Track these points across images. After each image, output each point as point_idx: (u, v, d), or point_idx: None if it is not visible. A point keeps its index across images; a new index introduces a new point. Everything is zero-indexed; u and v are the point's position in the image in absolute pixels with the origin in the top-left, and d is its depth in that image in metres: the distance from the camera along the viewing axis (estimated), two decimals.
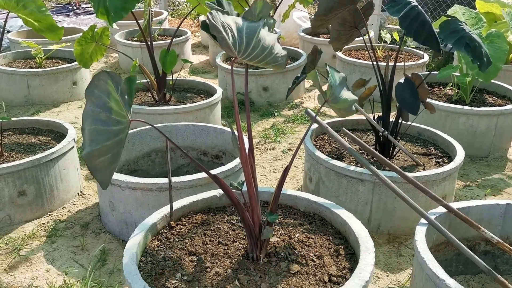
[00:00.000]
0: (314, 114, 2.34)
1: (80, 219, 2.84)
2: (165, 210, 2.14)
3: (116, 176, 2.53)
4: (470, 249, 2.29)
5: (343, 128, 2.28)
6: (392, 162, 2.89)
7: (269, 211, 1.88)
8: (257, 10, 1.80)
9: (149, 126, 3.24)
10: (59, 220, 2.83)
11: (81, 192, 3.15)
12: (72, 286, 2.22)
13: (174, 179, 2.47)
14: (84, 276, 2.30)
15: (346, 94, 1.92)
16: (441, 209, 2.19)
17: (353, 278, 1.67)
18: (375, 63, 2.92)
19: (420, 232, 1.99)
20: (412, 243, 2.60)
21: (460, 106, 3.60)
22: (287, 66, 4.82)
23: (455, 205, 2.21)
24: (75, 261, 2.45)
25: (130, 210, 2.56)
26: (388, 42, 5.26)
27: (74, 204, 3.01)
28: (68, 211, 2.93)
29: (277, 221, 2.15)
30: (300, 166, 3.51)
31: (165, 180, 2.47)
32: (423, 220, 2.08)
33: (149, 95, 4.18)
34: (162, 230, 2.09)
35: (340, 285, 1.75)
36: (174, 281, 1.77)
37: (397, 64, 2.86)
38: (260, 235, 1.85)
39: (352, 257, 1.91)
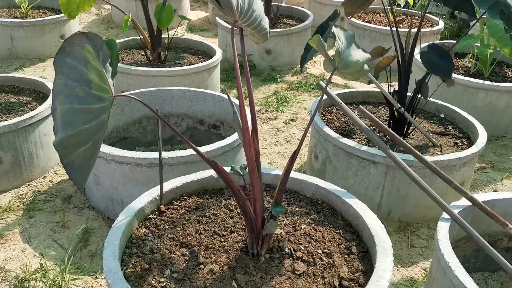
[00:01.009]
0: (326, 88, 2.06)
1: (62, 191, 2.59)
2: (155, 191, 1.88)
3: (102, 147, 2.25)
4: (491, 244, 2.07)
5: (360, 106, 2.00)
6: (407, 141, 2.63)
7: (274, 201, 1.63)
8: None
9: (141, 90, 2.95)
10: (39, 191, 2.58)
11: None
12: (48, 270, 1.99)
13: (165, 154, 2.21)
14: (63, 258, 2.07)
15: (357, 55, 1.66)
16: (463, 202, 1.95)
17: (369, 287, 1.44)
18: (394, 29, 2.61)
19: (443, 230, 1.76)
20: (424, 233, 2.38)
21: (480, 81, 3.32)
22: (291, 28, 4.48)
23: (479, 197, 1.98)
24: (54, 240, 2.22)
25: (116, 186, 2.31)
26: (402, 6, 4.90)
27: (56, 174, 2.75)
28: (49, 181, 2.68)
29: None
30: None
31: (156, 154, 2.21)
32: (445, 215, 1.85)
33: (142, 54, 3.84)
34: (151, 215, 1.84)
35: None
36: (162, 279, 1.54)
37: (412, 30, 2.57)
38: (263, 229, 1.61)
39: (366, 256, 1.68)
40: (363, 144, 2.46)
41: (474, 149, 2.42)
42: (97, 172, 2.34)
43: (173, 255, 1.64)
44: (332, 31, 1.63)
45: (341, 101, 2.01)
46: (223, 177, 1.56)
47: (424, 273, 2.11)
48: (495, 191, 2.80)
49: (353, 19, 4.72)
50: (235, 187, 1.56)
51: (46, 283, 1.92)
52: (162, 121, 1.47)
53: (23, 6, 4.45)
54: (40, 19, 4.42)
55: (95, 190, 2.41)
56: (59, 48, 1.23)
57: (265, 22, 1.58)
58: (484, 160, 3.13)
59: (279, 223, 1.82)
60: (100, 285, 1.96)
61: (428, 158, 2.30)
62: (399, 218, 2.44)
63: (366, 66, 1.70)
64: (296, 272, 1.59)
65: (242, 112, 1.54)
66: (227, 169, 2.03)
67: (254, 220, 1.60)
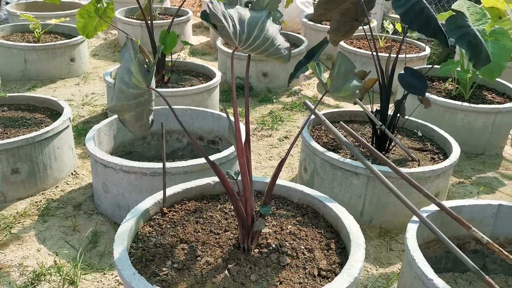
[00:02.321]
0: (312, 107, 2.33)
1: (73, 199, 2.84)
2: (158, 195, 2.13)
3: (110, 158, 2.51)
4: (460, 247, 2.31)
5: (341, 122, 2.26)
6: (388, 156, 2.89)
7: (263, 203, 1.88)
8: (265, 2, 1.78)
9: None
10: (52, 199, 2.83)
11: (75, 171, 3.14)
12: (62, 267, 2.22)
13: (168, 165, 2.46)
14: (75, 257, 2.31)
15: (350, 83, 1.83)
16: (433, 207, 2.19)
17: (342, 274, 1.68)
18: (375, 54, 2.89)
19: (412, 230, 2.00)
20: (403, 238, 2.61)
21: (459, 102, 3.59)
22: None
23: (447, 204, 2.22)
24: (66, 241, 2.45)
25: (123, 193, 2.55)
26: (390, 33, 5.22)
27: (67, 184, 3.00)
28: (61, 190, 2.93)
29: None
30: (296, 155, 3.50)
31: (159, 164, 2.47)
32: (415, 218, 2.09)
33: None
34: (155, 216, 2.09)
35: (329, 279, 1.76)
36: (164, 269, 1.77)
37: (399, 56, 2.84)
38: (253, 226, 1.85)
39: (343, 252, 1.92)
40: (347, 158, 2.71)
41: (447, 162, 2.67)
42: (106, 181, 2.59)
43: (174, 249, 1.88)
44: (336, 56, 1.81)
45: (325, 119, 2.28)
46: (220, 178, 1.81)
47: (399, 272, 2.34)
48: None
49: (344, 45, 5.03)
50: (229, 187, 1.81)
51: (61, 276, 2.15)
52: (191, 139, 1.78)
53: (36, 31, 4.77)
54: (52, 43, 4.73)
55: (104, 197, 2.66)
56: (124, 44, 1.71)
57: (278, 47, 1.66)
58: (462, 175, 3.37)
59: (267, 224, 2.06)
60: (108, 279, 2.19)
61: (405, 170, 2.55)
62: (380, 224, 2.68)
63: (357, 93, 1.87)
64: (281, 264, 1.82)
65: (237, 125, 1.81)
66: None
67: (245, 218, 1.85)
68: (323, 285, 1.72)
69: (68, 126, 3.07)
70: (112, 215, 2.67)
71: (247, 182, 1.83)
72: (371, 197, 2.62)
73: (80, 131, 3.69)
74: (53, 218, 2.65)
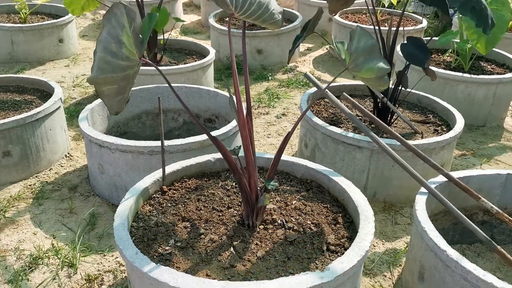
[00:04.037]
0: (314, 78, 2.24)
1: (68, 182, 2.75)
2: (157, 174, 2.05)
3: (106, 138, 2.42)
4: (467, 218, 2.26)
5: (344, 93, 2.19)
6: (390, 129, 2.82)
7: (267, 177, 1.81)
8: None
9: (140, 87, 3.12)
10: (46, 182, 2.74)
11: (68, 153, 3.04)
12: (60, 249, 2.15)
13: (166, 143, 2.38)
14: (73, 239, 2.23)
15: (375, 63, 1.69)
16: (440, 178, 2.14)
17: (352, 248, 1.62)
18: (376, 27, 2.80)
19: (420, 202, 1.95)
20: (408, 212, 2.56)
21: (460, 74, 3.52)
22: (282, 29, 4.67)
23: (455, 174, 2.17)
24: (63, 224, 2.38)
25: (120, 173, 2.47)
26: (386, 6, 5.12)
27: (61, 166, 2.91)
28: (55, 173, 2.84)
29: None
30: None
31: (157, 143, 2.38)
32: (423, 189, 2.04)
33: None
34: (154, 195, 2.01)
35: (339, 254, 1.70)
36: (167, 247, 1.71)
37: (394, 28, 2.77)
38: (257, 201, 1.78)
39: (351, 226, 1.86)
40: (349, 131, 2.64)
41: (451, 133, 2.61)
42: (101, 161, 2.51)
43: (176, 228, 1.81)
44: (355, 31, 1.66)
45: (327, 90, 2.19)
46: (222, 152, 1.73)
47: (407, 246, 2.30)
48: None
49: (340, 19, 4.92)
50: (232, 162, 1.73)
51: (59, 259, 2.08)
52: (190, 114, 1.67)
53: (23, 12, 4.61)
54: (39, 23, 4.58)
55: (100, 178, 2.58)
56: (108, 9, 1.51)
57: (272, 12, 1.65)
58: (464, 147, 3.32)
59: (271, 200, 2.00)
60: (109, 261, 2.12)
61: (409, 142, 2.49)
62: (384, 199, 2.63)
63: (385, 77, 1.73)
64: (288, 239, 1.76)
65: (237, 96, 1.72)
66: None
67: (249, 193, 1.78)
68: (332, 260, 1.66)
69: (60, 106, 2.97)
70: (109, 197, 2.59)
71: (250, 156, 1.75)
72: (375, 171, 2.56)
73: (72, 113, 3.59)
74: (49, 201, 2.57)
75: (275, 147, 3.22)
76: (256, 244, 1.74)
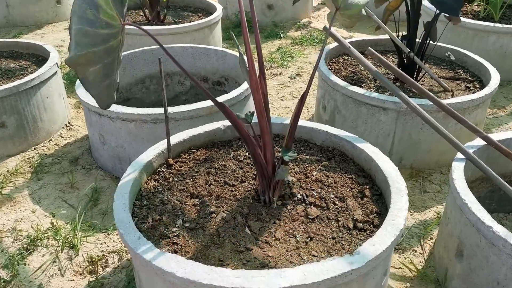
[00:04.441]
0: (334, 31, 1.98)
1: (69, 153, 2.56)
2: (162, 145, 1.85)
3: None
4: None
5: (369, 48, 1.93)
6: None
7: (284, 147, 1.59)
8: None
9: (141, 49, 2.88)
10: (45, 154, 2.56)
11: (69, 123, 2.85)
12: (60, 229, 1.98)
13: (171, 109, 2.16)
14: (74, 217, 2.06)
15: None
16: (478, 142, 1.90)
17: (384, 226, 1.41)
18: None
19: (458, 169, 1.72)
20: (437, 178, 2.34)
21: (490, 24, 3.21)
22: None
23: (494, 137, 1.93)
24: (63, 200, 2.20)
25: (122, 144, 2.27)
26: None
27: (61, 137, 2.72)
28: (55, 144, 2.65)
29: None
30: (311, 93, 3.18)
31: (161, 110, 2.17)
32: (459, 155, 1.81)
33: (141, 13, 3.75)
34: (159, 169, 1.81)
35: (367, 232, 1.50)
36: (174, 229, 1.52)
37: None
38: (274, 175, 1.57)
39: (380, 199, 1.65)
40: (372, 91, 2.39)
41: (487, 90, 2.35)
42: (102, 132, 2.30)
43: (184, 206, 1.62)
44: None
45: (350, 45, 1.94)
46: (232, 121, 1.51)
47: (438, 217, 2.09)
48: None
49: None
50: (244, 131, 1.52)
51: (58, 240, 1.92)
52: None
53: None
54: None
55: (102, 150, 2.38)
56: None
57: None
58: (495, 105, 3.06)
59: (290, 171, 1.79)
60: (113, 241, 1.96)
61: (441, 101, 2.24)
62: (411, 164, 2.40)
63: (363, 11, 1.72)
64: (309, 216, 1.56)
65: (249, 54, 1.48)
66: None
67: (264, 166, 1.56)
68: (362, 240, 1.46)
69: (56, 72, 2.75)
70: (113, 169, 2.40)
71: (265, 123, 1.53)
72: (401, 135, 2.33)
73: (72, 79, 3.37)
74: (48, 175, 2.39)
75: (290, 110, 2.99)
76: (274, 222, 1.54)
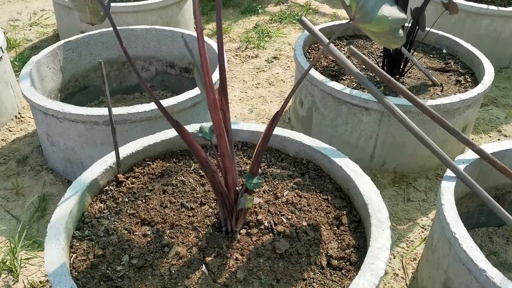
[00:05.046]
0: (311, 25, 1.72)
1: (17, 151, 2.29)
2: (110, 158, 1.60)
3: (50, 104, 1.93)
4: (498, 198, 1.86)
5: (351, 46, 1.69)
6: (403, 81, 2.33)
7: (249, 172, 1.36)
8: None
9: (99, 31, 2.57)
10: None
11: (19, 114, 2.56)
12: None
13: (125, 110, 1.90)
14: (18, 231, 1.82)
15: (386, 10, 1.21)
16: (470, 155, 1.70)
17: (363, 272, 1.21)
18: None
19: (447, 192, 1.52)
20: (421, 185, 2.15)
21: (484, 6, 2.96)
22: None
23: (488, 148, 1.72)
24: (6, 210, 1.95)
25: (73, 146, 2.01)
26: None
27: (9, 131, 2.44)
28: (1, 140, 2.37)
29: (259, 171, 1.65)
30: (289, 81, 2.93)
31: (116, 110, 1.90)
32: (449, 173, 1.60)
33: None
34: (107, 187, 1.57)
35: (343, 271, 1.30)
36: (119, 268, 1.30)
37: None
38: (236, 203, 1.35)
39: (358, 228, 1.44)
40: (354, 88, 2.16)
41: (480, 88, 2.13)
42: (49, 132, 2.04)
43: (133, 236, 1.39)
44: None
45: (328, 41, 1.68)
46: (188, 144, 1.27)
47: (423, 231, 1.91)
48: (499, 131, 2.55)
49: None
50: (202, 156, 1.28)
51: None
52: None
53: None
54: None
55: (51, 151, 2.12)
56: None
57: None
58: (486, 96, 2.85)
59: (257, 190, 1.57)
60: None
61: (429, 101, 2.02)
62: (394, 169, 2.20)
63: (400, 32, 1.25)
64: (277, 251, 1.35)
65: (203, 60, 1.22)
66: (196, 126, 1.75)
67: (226, 194, 1.34)
68: (336, 282, 1.26)
69: (1, 57, 2.44)
70: (64, 172, 2.15)
71: (226, 147, 1.29)
72: (385, 137, 2.11)
73: (26, 61, 3.04)
74: None
75: (265, 100, 2.74)
76: (236, 259, 1.33)
